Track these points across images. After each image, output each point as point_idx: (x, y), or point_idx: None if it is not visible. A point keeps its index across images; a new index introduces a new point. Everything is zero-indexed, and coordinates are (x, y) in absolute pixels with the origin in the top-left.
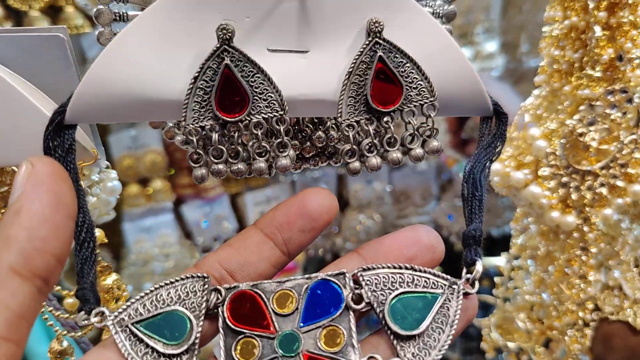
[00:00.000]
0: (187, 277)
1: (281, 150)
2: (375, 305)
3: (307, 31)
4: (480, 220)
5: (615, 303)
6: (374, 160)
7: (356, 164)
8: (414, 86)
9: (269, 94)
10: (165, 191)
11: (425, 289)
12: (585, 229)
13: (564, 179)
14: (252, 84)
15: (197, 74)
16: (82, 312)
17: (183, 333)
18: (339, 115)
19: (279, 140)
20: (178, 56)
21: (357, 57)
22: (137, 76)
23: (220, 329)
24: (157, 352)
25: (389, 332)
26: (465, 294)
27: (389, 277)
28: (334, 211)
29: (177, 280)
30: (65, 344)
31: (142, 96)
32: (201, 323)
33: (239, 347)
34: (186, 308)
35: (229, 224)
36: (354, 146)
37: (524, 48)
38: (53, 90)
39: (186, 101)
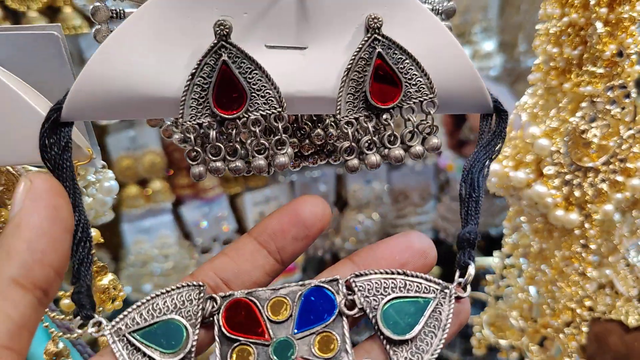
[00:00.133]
0: (182, 286)
1: (279, 148)
2: (368, 310)
3: (305, 27)
4: (476, 223)
5: (607, 302)
6: (373, 157)
7: (355, 161)
8: (414, 83)
9: (267, 91)
10: (164, 192)
11: (417, 294)
12: (587, 225)
13: (567, 177)
14: (250, 80)
15: (194, 70)
16: (78, 318)
17: (179, 341)
18: (337, 112)
19: (277, 137)
20: (175, 53)
21: (355, 53)
22: (133, 73)
23: (216, 337)
24: None
25: (381, 337)
26: (457, 298)
27: (381, 282)
28: (327, 219)
29: (173, 289)
30: (60, 345)
31: (138, 93)
32: (197, 331)
33: (234, 355)
34: (182, 317)
35: (228, 224)
36: (353, 144)
37: (521, 47)
38: (48, 89)
39: (183, 98)
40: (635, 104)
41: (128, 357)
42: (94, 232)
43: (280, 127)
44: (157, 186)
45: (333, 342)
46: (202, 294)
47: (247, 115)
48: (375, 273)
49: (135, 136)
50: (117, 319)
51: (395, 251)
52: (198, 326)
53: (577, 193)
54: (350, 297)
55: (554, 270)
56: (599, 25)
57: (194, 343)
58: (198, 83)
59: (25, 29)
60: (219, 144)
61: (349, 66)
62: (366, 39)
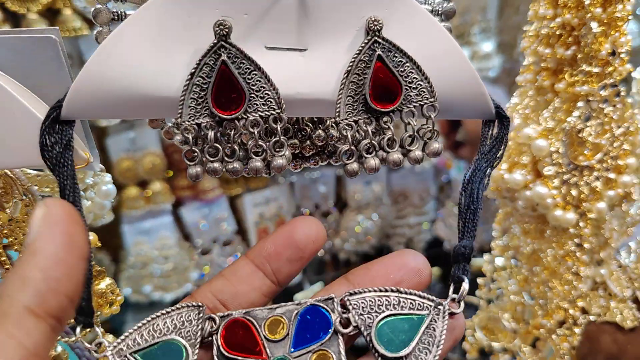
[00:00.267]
0: (182, 307)
1: (277, 149)
2: (362, 328)
3: (305, 29)
4: (473, 236)
5: (601, 304)
6: (373, 161)
7: (354, 166)
8: (414, 86)
9: (266, 92)
10: (164, 193)
11: (411, 311)
12: (581, 224)
13: (565, 177)
14: (249, 81)
15: (193, 70)
16: (78, 329)
17: None
18: (337, 115)
19: (275, 139)
20: (175, 53)
21: (355, 55)
22: (133, 72)
23: (215, 358)
24: None
25: (376, 354)
26: (451, 314)
27: (375, 300)
28: (321, 241)
29: (173, 310)
30: (59, 349)
31: (138, 92)
32: (196, 351)
33: None
34: (182, 337)
35: (228, 225)
36: (353, 147)
37: (520, 48)
38: (46, 93)
39: (182, 98)
40: (624, 102)
41: None
42: (92, 236)
43: (279, 128)
44: (157, 187)
45: None
46: (201, 314)
47: (245, 116)
48: (369, 291)
49: (135, 138)
50: (119, 340)
51: (390, 270)
52: (197, 346)
53: (574, 192)
54: (345, 316)
55: (546, 271)
56: (594, 25)
57: None
58: (197, 83)
59: (24, 32)
60: (217, 145)
61: (349, 68)
62: (366, 41)
